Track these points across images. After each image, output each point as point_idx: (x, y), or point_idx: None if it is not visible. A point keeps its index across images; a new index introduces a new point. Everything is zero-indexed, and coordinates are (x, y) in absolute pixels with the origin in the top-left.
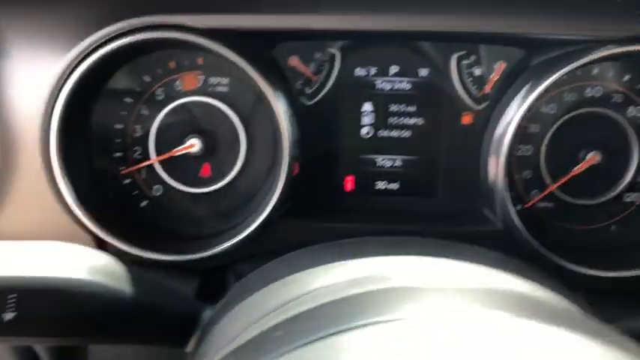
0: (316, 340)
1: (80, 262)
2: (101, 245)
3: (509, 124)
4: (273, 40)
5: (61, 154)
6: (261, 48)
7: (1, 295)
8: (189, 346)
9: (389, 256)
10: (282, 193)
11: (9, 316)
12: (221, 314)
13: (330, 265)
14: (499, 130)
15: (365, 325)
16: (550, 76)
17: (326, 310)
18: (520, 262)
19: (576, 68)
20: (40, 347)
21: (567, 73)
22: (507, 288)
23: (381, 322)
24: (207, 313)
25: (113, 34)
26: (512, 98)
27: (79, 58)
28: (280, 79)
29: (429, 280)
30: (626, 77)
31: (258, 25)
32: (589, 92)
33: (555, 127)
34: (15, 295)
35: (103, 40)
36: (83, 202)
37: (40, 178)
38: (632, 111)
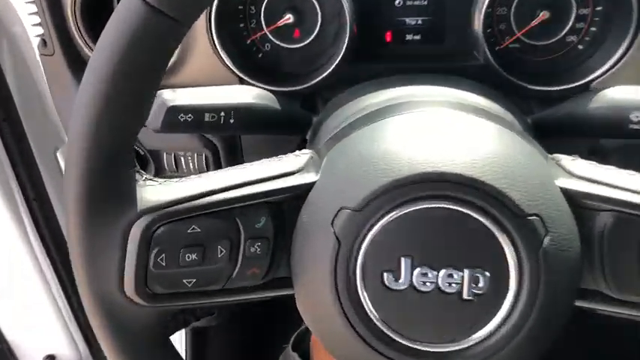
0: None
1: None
2: (242, 82)
3: None
4: None
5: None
6: None
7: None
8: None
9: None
10: (347, 46)
11: None
12: (326, 115)
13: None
14: None
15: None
16: None
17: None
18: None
19: None
20: None
21: None
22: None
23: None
24: (314, 119)
25: None
26: None
27: None
28: None
29: None
30: None
31: None
32: None
33: None
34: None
35: None
36: (233, 59)
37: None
38: None
